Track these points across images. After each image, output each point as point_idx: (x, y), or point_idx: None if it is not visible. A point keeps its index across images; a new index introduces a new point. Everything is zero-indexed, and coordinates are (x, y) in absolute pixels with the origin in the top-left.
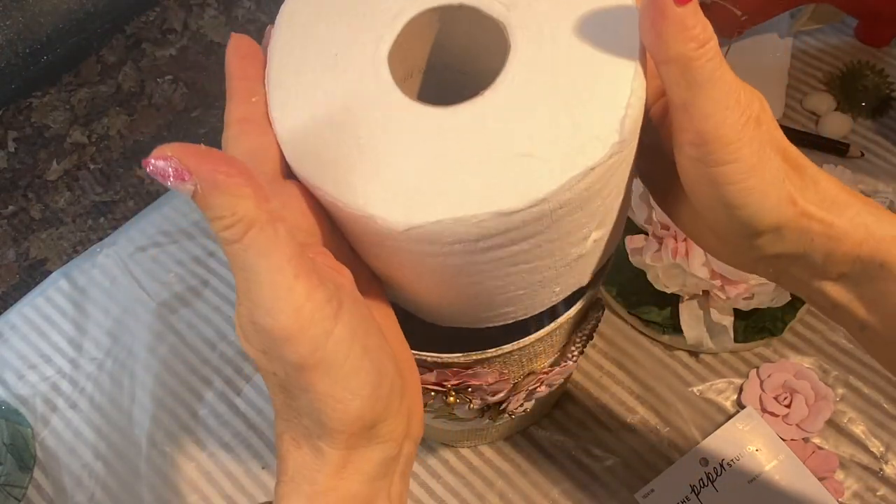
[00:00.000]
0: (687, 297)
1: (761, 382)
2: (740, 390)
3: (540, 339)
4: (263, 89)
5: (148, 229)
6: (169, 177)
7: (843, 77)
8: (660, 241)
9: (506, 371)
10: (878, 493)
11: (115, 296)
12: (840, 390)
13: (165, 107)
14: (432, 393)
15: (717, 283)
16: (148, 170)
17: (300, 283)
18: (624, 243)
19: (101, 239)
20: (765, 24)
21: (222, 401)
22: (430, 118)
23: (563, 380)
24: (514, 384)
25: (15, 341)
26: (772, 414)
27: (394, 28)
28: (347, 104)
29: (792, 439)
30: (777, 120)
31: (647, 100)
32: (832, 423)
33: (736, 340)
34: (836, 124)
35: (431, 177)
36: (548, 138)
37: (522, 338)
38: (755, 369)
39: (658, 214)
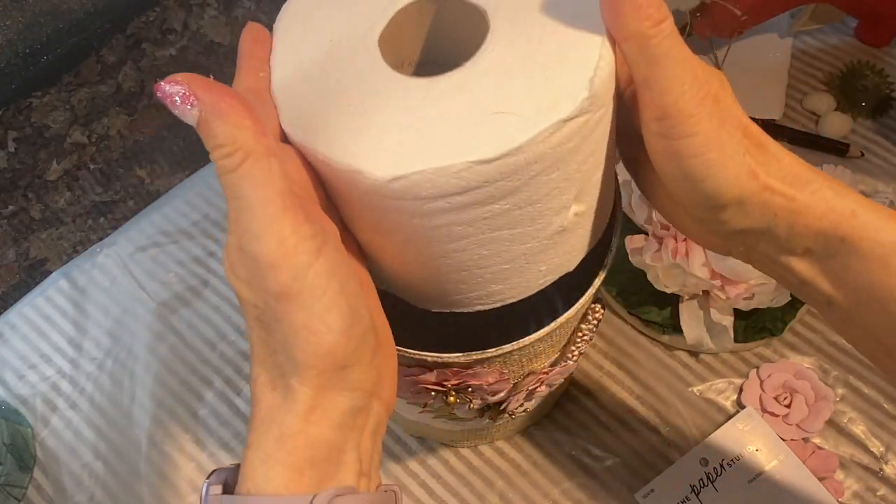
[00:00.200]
0: (687, 297)
1: (761, 382)
2: (740, 390)
3: (540, 339)
4: (269, 68)
5: (148, 229)
6: (177, 101)
7: (843, 77)
8: (660, 241)
9: (506, 371)
10: (878, 493)
11: (115, 296)
12: (840, 390)
13: (165, 107)
14: (432, 393)
15: (717, 283)
16: (157, 94)
17: (287, 216)
18: (624, 243)
19: (101, 239)
20: (765, 24)
21: (222, 401)
22: (414, 87)
23: (563, 380)
24: (514, 384)
25: (15, 341)
26: (772, 414)
27: (385, 16)
28: (339, 78)
29: (792, 439)
30: (777, 120)
31: (620, 81)
32: (832, 423)
33: (736, 340)
34: (836, 124)
35: (415, 135)
36: (523, 98)
37: (522, 338)
38: (755, 369)
39: (658, 214)
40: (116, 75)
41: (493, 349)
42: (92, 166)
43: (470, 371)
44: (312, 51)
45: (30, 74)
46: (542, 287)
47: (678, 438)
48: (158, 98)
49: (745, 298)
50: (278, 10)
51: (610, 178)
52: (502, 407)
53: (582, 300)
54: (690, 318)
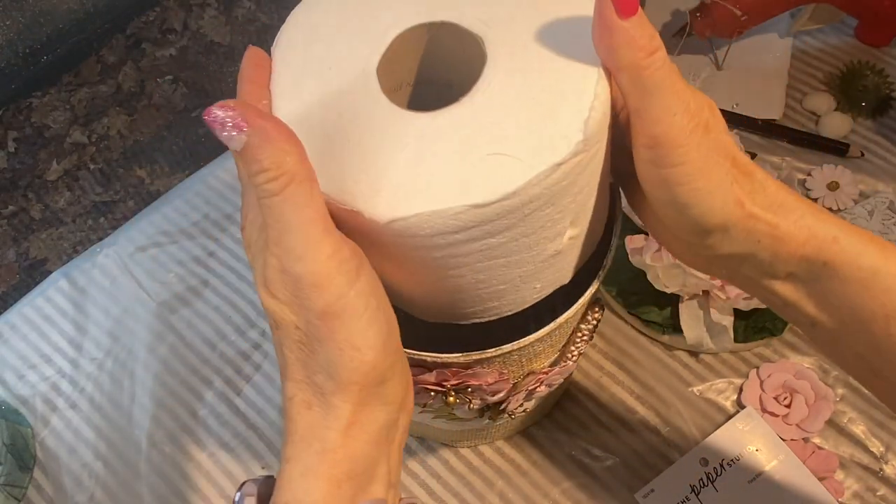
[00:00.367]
0: (687, 297)
1: (761, 382)
2: (740, 390)
3: (540, 339)
4: (269, 94)
5: (148, 229)
6: (228, 125)
7: (843, 77)
8: None
9: (506, 371)
10: (878, 493)
11: (115, 296)
12: (840, 390)
13: (165, 107)
14: (432, 393)
15: (717, 283)
16: (207, 119)
17: (329, 238)
18: (624, 243)
19: (101, 239)
20: (765, 24)
21: (222, 401)
22: (412, 122)
23: (563, 380)
24: (514, 384)
25: (15, 341)
26: (772, 414)
27: (382, 43)
28: (339, 111)
29: (792, 439)
30: (777, 120)
31: (615, 104)
32: (832, 423)
33: (736, 340)
34: (836, 124)
35: (412, 175)
36: (519, 138)
37: (522, 338)
38: (755, 369)
39: None
40: (116, 75)
41: (493, 349)
42: (92, 166)
43: (469, 371)
44: (312, 81)
45: (30, 74)
46: (537, 301)
47: (678, 438)
48: (206, 122)
49: (745, 298)
50: (278, 10)
51: (604, 197)
52: (502, 407)
53: (581, 300)
54: (690, 318)
